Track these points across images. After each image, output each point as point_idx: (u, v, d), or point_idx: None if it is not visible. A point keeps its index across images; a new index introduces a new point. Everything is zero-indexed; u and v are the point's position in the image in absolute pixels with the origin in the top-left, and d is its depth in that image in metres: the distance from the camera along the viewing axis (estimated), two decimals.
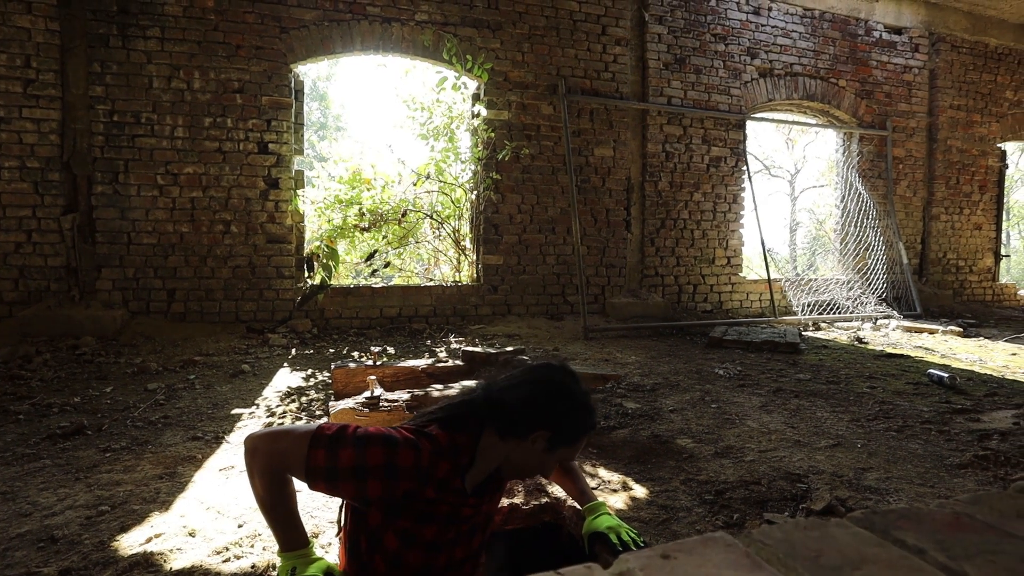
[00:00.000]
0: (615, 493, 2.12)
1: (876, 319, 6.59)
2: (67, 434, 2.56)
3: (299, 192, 5.23)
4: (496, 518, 1.45)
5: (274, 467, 1.13)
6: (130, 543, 1.67)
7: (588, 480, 2.22)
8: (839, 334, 5.88)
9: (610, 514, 1.48)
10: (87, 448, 2.43)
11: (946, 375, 3.67)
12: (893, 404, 3.25)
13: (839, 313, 6.70)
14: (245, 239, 5.00)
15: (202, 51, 4.82)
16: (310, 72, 22.32)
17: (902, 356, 4.70)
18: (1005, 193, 8.26)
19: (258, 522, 1.81)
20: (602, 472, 2.29)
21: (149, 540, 1.69)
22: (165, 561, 1.58)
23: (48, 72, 4.53)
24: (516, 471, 1.29)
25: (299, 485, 1.25)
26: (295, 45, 5.03)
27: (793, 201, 26.94)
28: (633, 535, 1.44)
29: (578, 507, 1.62)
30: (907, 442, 2.63)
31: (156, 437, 2.59)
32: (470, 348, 3.37)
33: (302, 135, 5.34)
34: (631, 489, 2.15)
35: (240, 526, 1.79)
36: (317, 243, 5.57)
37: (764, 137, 24.75)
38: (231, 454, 2.41)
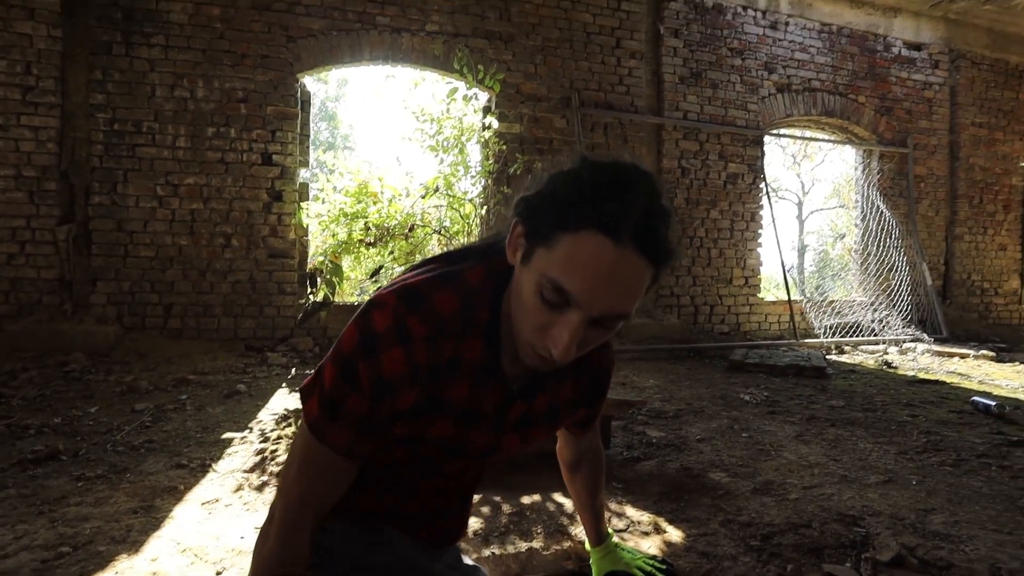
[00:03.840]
0: (646, 536, 1.86)
1: (902, 342, 6.30)
2: (39, 459, 2.33)
3: (303, 205, 5.06)
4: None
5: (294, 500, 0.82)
6: None
7: (615, 520, 1.97)
8: (864, 358, 5.60)
9: (625, 549, 1.27)
10: (59, 476, 2.20)
11: (993, 403, 3.40)
12: (940, 435, 2.98)
13: (862, 335, 6.42)
14: (246, 253, 4.81)
15: (207, 59, 4.69)
16: (319, 92, 22.50)
17: (937, 382, 4.42)
18: None
19: (240, 569, 1.57)
20: (630, 511, 2.04)
21: None
22: None
23: (48, 79, 4.40)
24: (511, 326, 0.79)
25: None
26: (302, 54, 4.90)
27: (801, 224, 26.72)
28: (652, 564, 1.24)
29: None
30: (967, 479, 2.37)
31: (137, 464, 2.36)
32: None
33: (307, 146, 5.19)
34: (664, 531, 1.89)
35: (219, 573, 1.55)
36: (321, 258, 5.37)
37: (771, 157, 24.67)
38: (216, 485, 2.17)
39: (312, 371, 0.82)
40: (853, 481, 2.33)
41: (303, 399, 0.81)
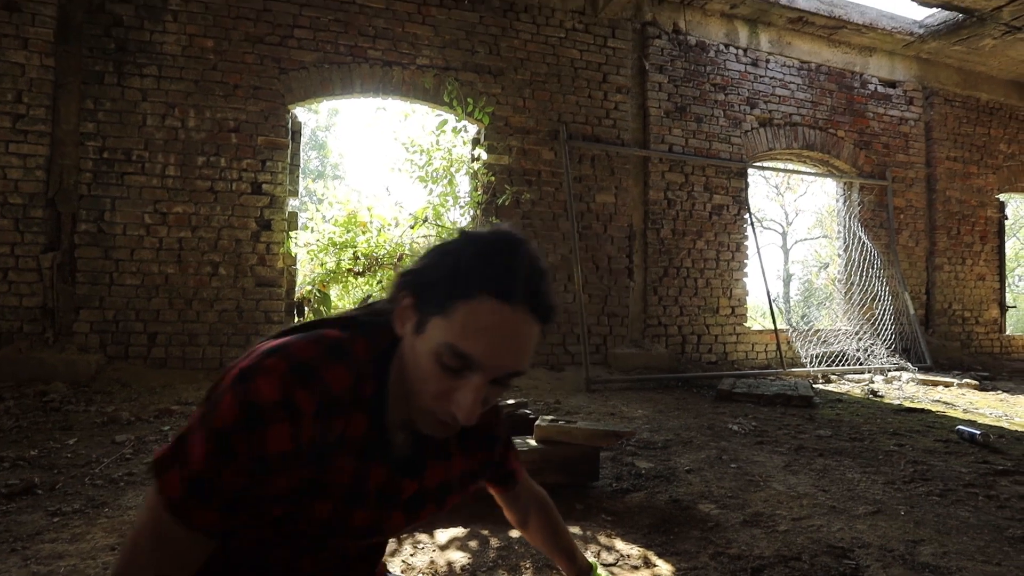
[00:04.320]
0: (636, 570, 1.84)
1: (887, 371, 6.36)
2: (14, 494, 2.27)
3: (292, 234, 5.06)
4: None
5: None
6: None
7: (604, 554, 1.95)
8: (851, 386, 5.64)
9: None
10: (34, 511, 2.14)
11: (978, 432, 3.43)
12: (927, 464, 3.00)
13: (848, 364, 6.48)
14: (234, 282, 4.79)
15: (199, 90, 4.73)
16: (309, 122, 22.70)
17: (923, 411, 4.46)
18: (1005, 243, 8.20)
19: None
20: (619, 544, 2.02)
21: None
22: None
23: (39, 107, 4.41)
24: (406, 397, 0.78)
25: None
26: (294, 86, 4.97)
27: (786, 253, 27.13)
28: None
29: None
30: (954, 509, 2.37)
31: (116, 498, 2.30)
32: None
33: (297, 176, 5.22)
34: (654, 566, 1.87)
35: None
36: (309, 287, 5.36)
37: (755, 188, 25.16)
38: None
39: (170, 440, 0.74)
40: (842, 512, 2.33)
41: (158, 472, 0.71)
